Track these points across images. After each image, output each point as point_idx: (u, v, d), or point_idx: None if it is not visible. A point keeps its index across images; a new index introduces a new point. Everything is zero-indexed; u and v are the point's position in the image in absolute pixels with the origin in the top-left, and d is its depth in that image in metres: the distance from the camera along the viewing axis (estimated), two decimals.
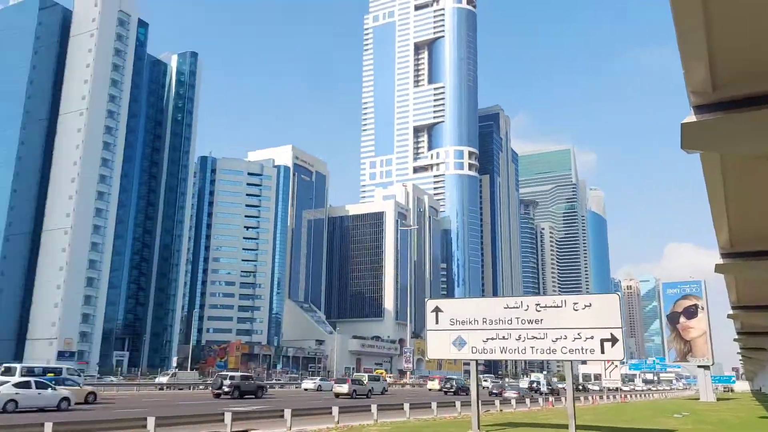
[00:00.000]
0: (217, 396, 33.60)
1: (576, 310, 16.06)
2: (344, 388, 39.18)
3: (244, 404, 26.75)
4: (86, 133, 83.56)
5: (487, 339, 16.82)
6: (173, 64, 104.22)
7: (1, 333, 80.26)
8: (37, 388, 21.83)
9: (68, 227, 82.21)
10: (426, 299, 19.03)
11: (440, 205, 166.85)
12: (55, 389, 22.74)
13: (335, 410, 18.01)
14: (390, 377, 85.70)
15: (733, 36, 5.85)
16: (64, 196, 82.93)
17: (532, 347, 16.12)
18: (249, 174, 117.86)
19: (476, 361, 17.48)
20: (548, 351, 15.97)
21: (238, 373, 41.41)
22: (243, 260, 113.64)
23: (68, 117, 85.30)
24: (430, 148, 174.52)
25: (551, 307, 16.28)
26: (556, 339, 16.00)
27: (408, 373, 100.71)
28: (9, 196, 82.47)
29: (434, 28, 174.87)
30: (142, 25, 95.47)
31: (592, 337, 15.50)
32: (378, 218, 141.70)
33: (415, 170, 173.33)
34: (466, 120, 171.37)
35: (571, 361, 15.86)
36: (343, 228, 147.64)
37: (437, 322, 17.44)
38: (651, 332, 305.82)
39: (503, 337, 16.58)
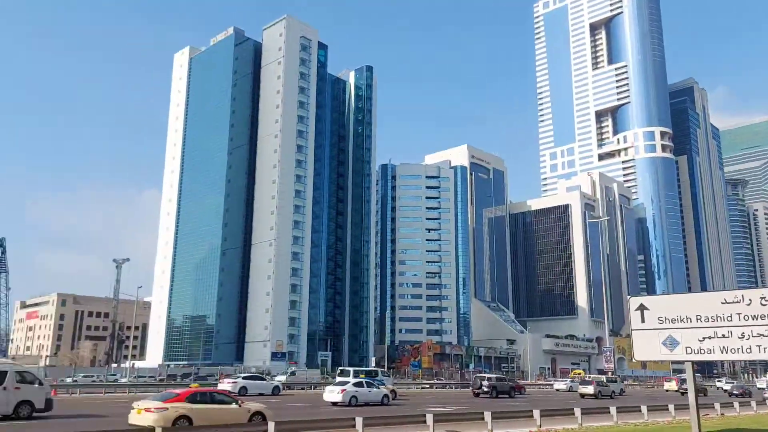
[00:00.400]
0: (477, 395, 37.70)
1: None
2: (589, 389, 42.07)
3: (499, 403, 29.72)
4: (281, 153, 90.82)
5: (704, 338, 15.47)
6: (351, 80, 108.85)
7: (224, 337, 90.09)
8: (367, 387, 27.13)
9: (272, 239, 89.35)
10: (628, 296, 17.61)
11: (632, 193, 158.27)
12: (378, 388, 28.17)
13: (577, 411, 18.55)
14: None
15: None
16: (267, 211, 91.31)
17: (759, 346, 14.27)
18: (427, 177, 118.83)
19: (692, 362, 15.98)
20: None
21: (494, 375, 45.92)
22: (427, 261, 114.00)
23: (265, 140, 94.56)
24: (615, 132, 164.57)
25: None
26: None
27: (609, 372, 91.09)
28: (222, 215, 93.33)
29: (611, 5, 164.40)
30: (322, 47, 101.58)
31: None
32: (563, 211, 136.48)
33: (601, 157, 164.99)
34: (654, 98, 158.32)
35: None
36: (525, 224, 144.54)
37: (643, 321, 16.36)
38: None
39: (723, 336, 15.11)
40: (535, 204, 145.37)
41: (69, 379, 45.17)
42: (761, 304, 13.56)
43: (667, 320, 14.81)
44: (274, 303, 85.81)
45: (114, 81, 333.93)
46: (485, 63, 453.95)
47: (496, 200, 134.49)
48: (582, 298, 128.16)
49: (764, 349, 13.27)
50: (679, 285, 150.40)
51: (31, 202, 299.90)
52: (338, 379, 34.67)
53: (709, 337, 14.27)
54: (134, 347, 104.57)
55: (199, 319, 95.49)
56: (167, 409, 13.36)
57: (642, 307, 15.34)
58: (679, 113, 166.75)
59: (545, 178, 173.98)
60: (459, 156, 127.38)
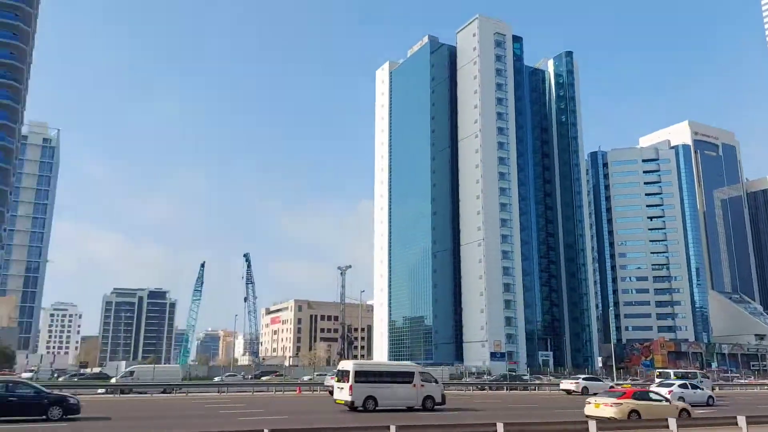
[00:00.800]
0: None
1: None
2: None
3: None
4: (482, 152, 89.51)
5: None
6: (550, 69, 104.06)
7: (442, 337, 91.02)
8: (692, 388, 27.08)
9: (480, 239, 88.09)
10: None
11: None
12: (702, 389, 28.01)
13: None
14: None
15: None
16: (473, 212, 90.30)
17: None
18: (643, 161, 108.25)
19: None
20: None
21: None
22: (651, 252, 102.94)
23: (465, 141, 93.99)
24: None
25: None
26: None
27: None
28: (430, 219, 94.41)
29: None
30: (517, 40, 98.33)
31: None
32: None
33: None
34: None
35: None
36: None
37: None
38: None
39: None
40: None
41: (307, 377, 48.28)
42: None
43: None
44: (488, 303, 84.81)
45: (322, 95, 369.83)
46: (692, 27, 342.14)
47: (728, 179, 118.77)
48: None
49: None
50: None
51: (261, 213, 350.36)
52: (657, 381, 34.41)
53: None
54: (362, 347, 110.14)
55: (417, 320, 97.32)
56: (622, 404, 16.45)
57: None
58: None
59: None
60: (680, 134, 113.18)
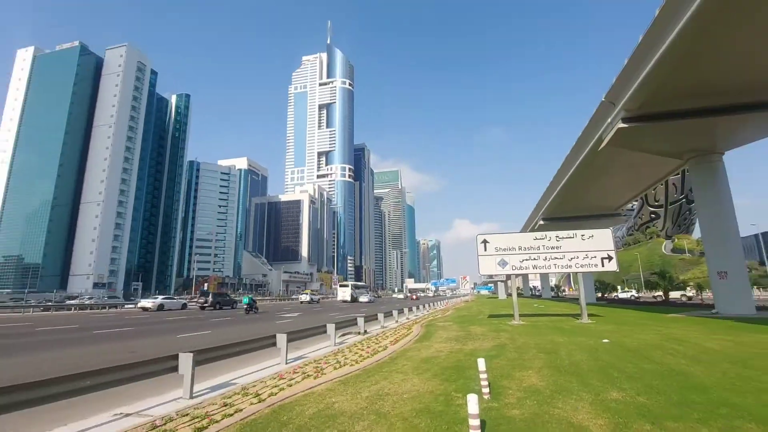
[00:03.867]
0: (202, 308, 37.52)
1: (583, 239, 19.57)
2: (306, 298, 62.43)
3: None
4: (113, 144, 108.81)
5: (523, 260, 19.77)
6: (173, 100, 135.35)
7: (49, 272, 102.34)
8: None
9: (101, 201, 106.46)
10: (477, 234, 19.94)
11: (333, 197, 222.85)
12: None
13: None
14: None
15: (656, 80, 16.91)
16: (98, 179, 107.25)
17: (555, 264, 19.56)
18: (221, 173, 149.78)
19: (514, 275, 20.57)
20: (566, 266, 19.53)
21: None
22: (218, 226, 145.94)
23: (100, 129, 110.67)
24: (327, 164, 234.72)
25: (566, 238, 19.68)
26: (571, 258, 19.47)
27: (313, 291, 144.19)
28: (55, 180, 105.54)
29: (330, 96, 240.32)
30: (153, 73, 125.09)
31: (595, 256, 19.24)
32: (298, 203, 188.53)
33: (318, 176, 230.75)
34: (347, 149, 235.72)
35: (582, 272, 19.39)
36: (277, 208, 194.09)
37: (485, 250, 19.98)
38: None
39: (534, 258, 19.70)
40: (283, 197, 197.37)
41: None
42: (557, 240, 19.70)
43: (500, 249, 19.86)
44: (98, 247, 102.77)
45: None
46: (260, 113, 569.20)
47: (261, 192, 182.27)
48: (305, 250, 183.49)
49: (558, 266, 19.62)
50: (350, 246, 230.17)
51: None
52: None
53: (526, 260, 19.70)
54: None
55: (24, 257, 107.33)
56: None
57: (485, 242, 20.03)
58: (357, 159, 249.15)
59: (287, 184, 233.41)
60: (242, 162, 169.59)
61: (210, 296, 39.55)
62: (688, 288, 56.92)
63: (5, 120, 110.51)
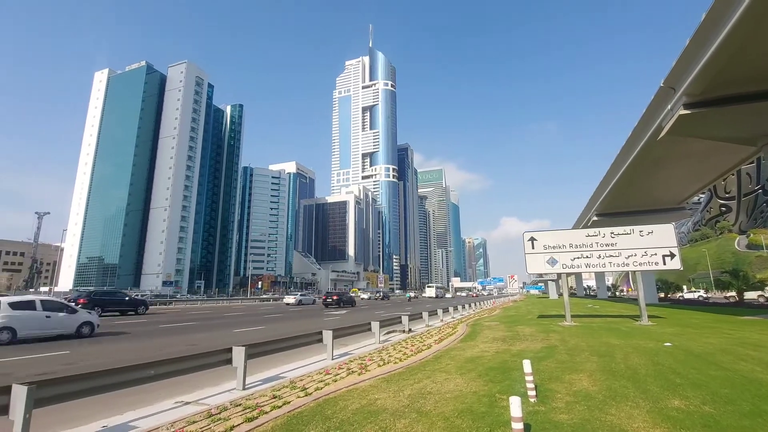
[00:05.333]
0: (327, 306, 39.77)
1: (642, 236, 18.04)
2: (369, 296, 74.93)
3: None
4: (177, 153, 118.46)
5: (574, 258, 18.47)
6: (228, 110, 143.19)
7: (125, 271, 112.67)
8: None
9: (167, 206, 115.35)
10: (523, 232, 19.26)
11: (377, 197, 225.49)
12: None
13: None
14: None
15: (723, 62, 14.40)
16: (164, 186, 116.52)
17: (609, 262, 18.07)
18: (272, 177, 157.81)
19: (565, 274, 19.13)
20: (623, 264, 17.90)
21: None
22: (270, 227, 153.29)
23: (165, 140, 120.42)
24: (371, 165, 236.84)
25: (622, 234, 18.27)
26: (628, 256, 17.93)
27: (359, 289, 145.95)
28: (128, 188, 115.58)
29: (372, 99, 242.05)
30: (210, 86, 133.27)
31: (656, 254, 17.61)
32: (344, 205, 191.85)
33: (363, 178, 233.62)
34: (391, 150, 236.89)
35: (641, 271, 17.83)
36: (324, 209, 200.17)
37: (533, 248, 18.96)
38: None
39: (587, 256, 18.40)
40: (330, 199, 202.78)
41: None
42: (611, 236, 18.28)
43: (549, 247, 18.73)
44: (166, 248, 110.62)
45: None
46: (307, 118, 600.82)
47: (309, 195, 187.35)
48: (351, 249, 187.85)
49: (613, 264, 18.02)
50: (395, 246, 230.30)
51: None
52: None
53: (578, 257, 18.34)
54: (45, 278, 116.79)
55: (104, 258, 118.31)
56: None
57: (532, 239, 19.08)
58: (401, 159, 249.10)
59: (333, 186, 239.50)
60: (290, 166, 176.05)
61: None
62: (767, 288, 51.16)
63: (86, 136, 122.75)
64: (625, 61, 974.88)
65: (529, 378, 6.04)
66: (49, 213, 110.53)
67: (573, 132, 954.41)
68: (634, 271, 18.36)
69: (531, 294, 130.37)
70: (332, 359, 9.65)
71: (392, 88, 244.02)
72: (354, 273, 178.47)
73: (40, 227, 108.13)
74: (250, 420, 5.17)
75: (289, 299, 45.73)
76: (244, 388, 6.86)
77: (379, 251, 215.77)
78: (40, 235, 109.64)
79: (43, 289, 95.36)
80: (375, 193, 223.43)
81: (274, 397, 6.31)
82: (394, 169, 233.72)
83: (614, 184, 36.08)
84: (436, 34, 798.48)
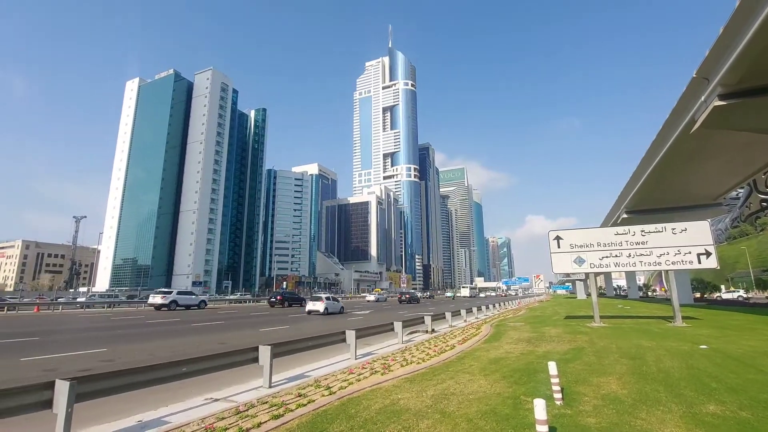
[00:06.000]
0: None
1: (675, 233, 17.20)
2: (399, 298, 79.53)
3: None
4: (204, 157, 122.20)
5: (603, 257, 17.85)
6: (252, 114, 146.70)
7: (157, 271, 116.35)
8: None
9: (195, 209, 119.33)
10: (549, 231, 18.94)
11: (399, 197, 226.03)
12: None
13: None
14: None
15: (760, 50, 12.80)
16: (192, 190, 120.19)
17: (640, 262, 17.28)
18: (295, 179, 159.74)
19: (593, 273, 19.59)
20: (654, 263, 17.08)
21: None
22: (293, 228, 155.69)
23: (193, 145, 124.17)
24: (392, 165, 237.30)
25: (654, 232, 17.45)
26: (660, 255, 17.09)
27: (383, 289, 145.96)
28: (159, 192, 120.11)
29: (393, 99, 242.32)
30: (235, 92, 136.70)
31: (689, 252, 16.78)
32: (365, 205, 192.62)
33: (385, 178, 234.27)
34: (411, 149, 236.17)
35: (673, 270, 17.05)
36: (347, 210, 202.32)
37: (559, 247, 18.45)
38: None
39: (616, 255, 17.71)
40: (352, 199, 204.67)
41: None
42: (642, 234, 17.38)
43: (576, 246, 18.15)
44: (195, 250, 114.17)
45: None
46: (329, 120, 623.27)
47: (332, 196, 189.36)
48: (373, 249, 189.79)
49: (644, 263, 17.14)
50: (417, 245, 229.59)
51: None
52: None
53: (606, 257, 17.72)
54: (84, 278, 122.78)
55: (137, 259, 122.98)
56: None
57: (558, 238, 18.47)
58: (422, 159, 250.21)
59: (355, 187, 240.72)
60: (313, 168, 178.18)
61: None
62: None
63: (119, 143, 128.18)
64: (652, 55, 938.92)
65: (555, 380, 5.92)
66: (85, 217, 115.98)
67: (600, 127, 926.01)
68: (667, 271, 17.69)
69: (558, 294, 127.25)
70: (356, 359, 9.74)
71: (412, 88, 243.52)
72: (376, 273, 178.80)
73: (77, 230, 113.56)
74: (276, 417, 5.30)
75: (370, 297, 57.78)
76: (270, 386, 7.03)
77: (402, 251, 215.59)
78: (78, 238, 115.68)
79: (81, 289, 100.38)
80: (396, 193, 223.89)
81: (300, 395, 6.44)
82: (415, 169, 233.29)
83: (645, 180, 34.72)
84: (457, 33, 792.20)
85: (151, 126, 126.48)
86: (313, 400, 6.10)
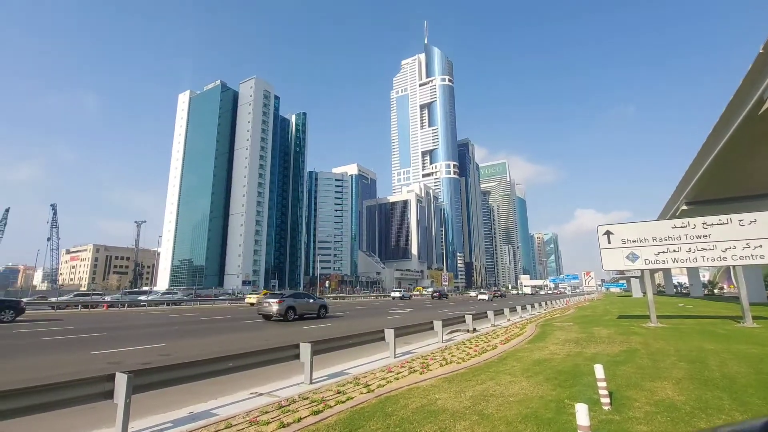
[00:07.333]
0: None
1: (742, 225, 15.94)
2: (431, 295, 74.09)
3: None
4: (250, 162, 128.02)
5: (659, 252, 16.68)
6: (293, 119, 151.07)
7: (210, 272, 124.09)
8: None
9: (243, 212, 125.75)
10: (597, 225, 17.78)
11: (438, 195, 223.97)
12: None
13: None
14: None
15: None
16: (240, 194, 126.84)
17: (702, 257, 16.15)
18: (336, 180, 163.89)
19: (649, 270, 17.24)
20: (719, 259, 15.96)
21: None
22: (335, 228, 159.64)
23: (240, 151, 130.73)
24: (431, 162, 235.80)
25: (718, 224, 16.18)
26: (726, 249, 15.83)
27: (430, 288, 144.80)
28: (210, 197, 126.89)
29: (430, 96, 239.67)
30: (276, 98, 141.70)
31: (761, 246, 15.47)
32: (405, 203, 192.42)
33: (423, 176, 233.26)
34: (450, 146, 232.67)
35: (741, 266, 15.84)
36: (386, 209, 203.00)
37: (609, 242, 17.41)
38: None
39: (674, 250, 16.46)
40: (391, 198, 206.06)
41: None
42: (703, 227, 16.19)
43: (628, 241, 16.97)
44: (244, 251, 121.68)
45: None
46: (367, 120, 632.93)
47: (371, 195, 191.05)
48: (414, 248, 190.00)
49: (707, 259, 15.88)
50: (458, 243, 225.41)
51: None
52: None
53: (663, 252, 16.48)
54: (146, 278, 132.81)
55: (192, 260, 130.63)
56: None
57: (608, 233, 17.41)
58: (462, 155, 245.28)
59: (394, 185, 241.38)
60: (353, 169, 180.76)
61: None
62: None
63: (174, 152, 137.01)
64: (712, 39, 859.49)
65: (602, 384, 5.60)
66: (145, 221, 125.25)
67: (655, 114, 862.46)
68: (734, 266, 16.16)
69: (611, 292, 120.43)
70: (394, 357, 9.77)
71: (450, 83, 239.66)
72: (418, 271, 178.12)
73: (139, 234, 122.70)
74: (316, 413, 5.43)
75: (395, 294, 62.36)
76: (311, 383, 7.23)
77: (442, 249, 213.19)
78: (141, 241, 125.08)
79: (144, 288, 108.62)
80: (436, 191, 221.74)
81: (339, 392, 6.57)
82: (454, 165, 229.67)
83: (706, 168, 31.89)
84: (494, 25, 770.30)
85: (202, 134, 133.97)
86: (352, 397, 6.19)
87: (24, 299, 30.75)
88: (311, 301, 23.95)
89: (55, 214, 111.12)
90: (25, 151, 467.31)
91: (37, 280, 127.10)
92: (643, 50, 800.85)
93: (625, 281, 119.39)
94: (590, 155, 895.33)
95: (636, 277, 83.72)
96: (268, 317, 21.62)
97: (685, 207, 40.53)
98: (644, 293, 74.73)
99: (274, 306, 21.14)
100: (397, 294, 63.34)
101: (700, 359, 8.90)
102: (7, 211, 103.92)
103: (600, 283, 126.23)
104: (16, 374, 8.08)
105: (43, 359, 9.89)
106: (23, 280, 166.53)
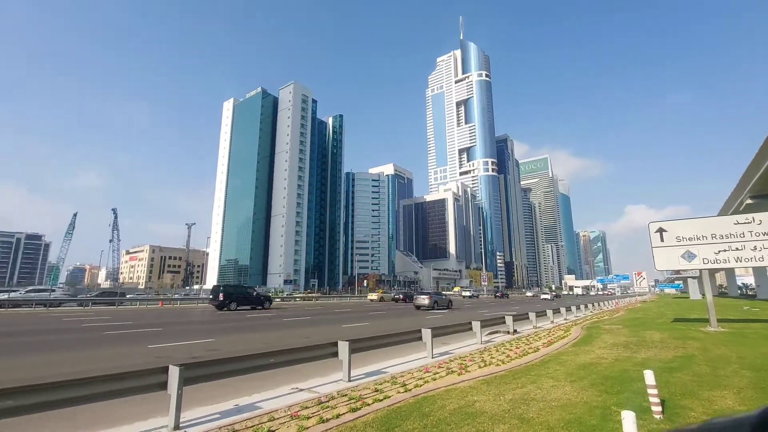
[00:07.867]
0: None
1: None
2: (467, 294, 70.07)
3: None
4: (290, 166, 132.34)
5: (719, 251, 15.69)
6: (330, 122, 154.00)
7: (254, 271, 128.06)
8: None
9: (284, 213, 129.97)
10: (649, 222, 16.87)
11: (477, 193, 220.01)
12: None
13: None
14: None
15: None
16: (281, 196, 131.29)
17: None
18: (372, 180, 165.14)
19: (707, 270, 16.13)
20: None
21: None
22: (372, 228, 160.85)
23: (280, 155, 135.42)
24: (468, 160, 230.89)
25: None
26: None
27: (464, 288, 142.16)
28: (253, 200, 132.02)
29: (466, 92, 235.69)
30: (314, 102, 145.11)
31: None
32: (442, 202, 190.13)
33: (461, 174, 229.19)
34: (488, 143, 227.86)
35: None
36: (423, 208, 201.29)
37: (662, 240, 16.52)
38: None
39: (737, 249, 15.44)
40: (428, 197, 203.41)
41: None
42: None
43: (684, 239, 15.92)
44: (285, 251, 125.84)
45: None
46: (403, 120, 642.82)
47: (408, 195, 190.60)
48: (452, 247, 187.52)
49: None
50: (498, 242, 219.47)
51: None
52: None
53: (724, 250, 15.31)
54: (197, 277, 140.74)
55: (238, 260, 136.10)
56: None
57: (661, 230, 16.40)
58: (500, 152, 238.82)
59: (431, 184, 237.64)
60: (389, 169, 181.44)
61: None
62: None
63: (220, 157, 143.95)
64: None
65: (653, 390, 5.28)
66: (195, 224, 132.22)
67: (714, 100, 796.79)
68: None
69: (665, 293, 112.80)
70: (432, 357, 9.73)
71: (487, 78, 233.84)
72: (456, 271, 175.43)
73: (189, 236, 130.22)
74: (353, 410, 5.54)
75: (466, 293, 68.75)
76: (349, 380, 7.37)
77: (481, 248, 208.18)
78: (191, 242, 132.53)
79: (195, 287, 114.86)
80: (474, 189, 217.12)
81: (376, 390, 6.64)
82: (493, 162, 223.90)
83: None
84: (533, 18, 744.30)
85: (245, 140, 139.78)
86: (389, 396, 6.24)
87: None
88: (443, 297, 35.51)
89: (116, 217, 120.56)
90: (87, 156, 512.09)
91: (101, 278, 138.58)
92: (700, 38, 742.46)
93: (681, 282, 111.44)
94: (641, 147, 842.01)
95: (694, 277, 77.69)
96: (417, 308, 32.73)
97: (749, 201, 37.24)
98: (703, 295, 69.36)
99: (425, 300, 32.96)
100: (467, 293, 68.82)
101: (766, 367, 8.15)
102: (74, 216, 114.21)
103: (653, 283, 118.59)
104: (77, 366, 8.86)
105: (106, 351, 10.76)
106: (89, 279, 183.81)
